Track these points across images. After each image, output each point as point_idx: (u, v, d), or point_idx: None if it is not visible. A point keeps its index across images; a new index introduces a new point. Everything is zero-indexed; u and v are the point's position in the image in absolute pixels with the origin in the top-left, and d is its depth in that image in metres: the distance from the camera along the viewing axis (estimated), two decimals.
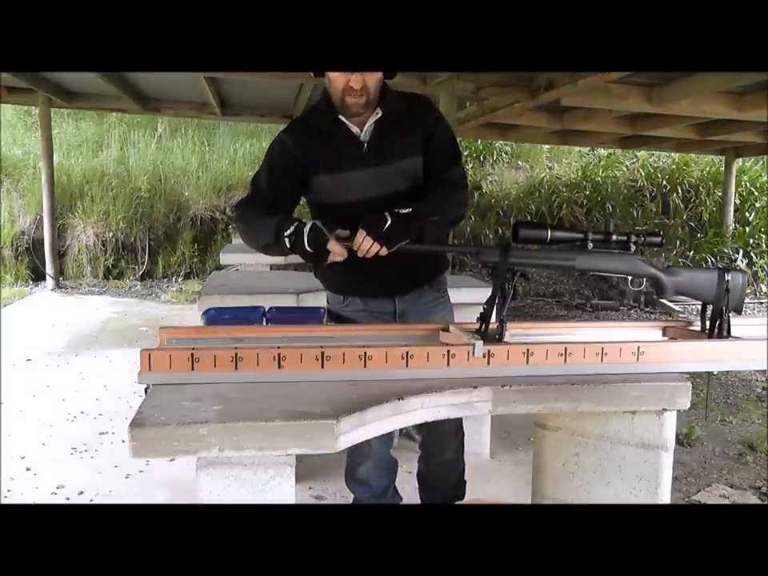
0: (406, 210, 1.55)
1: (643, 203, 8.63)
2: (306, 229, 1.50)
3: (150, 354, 1.33)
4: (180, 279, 7.64)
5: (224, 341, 1.49)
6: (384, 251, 1.51)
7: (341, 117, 1.69)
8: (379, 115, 1.69)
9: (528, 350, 1.44)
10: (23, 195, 7.71)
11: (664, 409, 1.42)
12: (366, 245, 1.49)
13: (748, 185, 8.51)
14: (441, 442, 2.01)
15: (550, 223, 2.18)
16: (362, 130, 1.70)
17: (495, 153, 9.21)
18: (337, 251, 1.50)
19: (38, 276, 7.24)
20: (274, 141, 1.78)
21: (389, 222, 1.50)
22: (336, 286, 1.87)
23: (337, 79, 1.61)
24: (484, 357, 1.41)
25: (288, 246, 1.52)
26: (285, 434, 1.13)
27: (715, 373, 4.07)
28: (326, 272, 1.87)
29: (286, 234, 1.52)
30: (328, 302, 1.92)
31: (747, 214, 8.32)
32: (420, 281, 1.85)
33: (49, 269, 6.96)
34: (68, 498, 2.46)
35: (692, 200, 8.69)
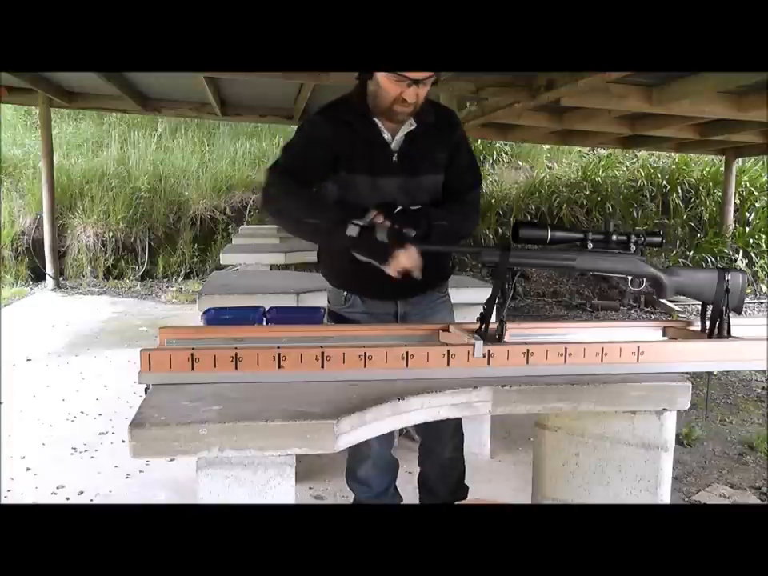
0: (415, 207, 1.57)
1: (643, 203, 8.62)
2: (384, 225, 1.50)
3: (150, 354, 1.33)
4: (180, 279, 7.64)
5: (224, 341, 1.49)
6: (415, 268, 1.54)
7: (376, 120, 1.67)
8: (413, 127, 1.69)
9: (528, 350, 1.44)
10: (23, 195, 7.71)
11: (664, 409, 1.42)
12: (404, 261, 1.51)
13: (748, 185, 8.50)
14: (439, 441, 2.00)
15: (550, 223, 2.18)
16: (392, 138, 1.70)
17: (495, 153, 9.21)
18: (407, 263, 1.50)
19: (38, 276, 7.24)
20: (311, 119, 1.75)
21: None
22: (340, 280, 1.84)
23: (390, 87, 1.58)
24: (484, 357, 1.41)
25: (356, 235, 1.50)
26: (285, 434, 1.13)
27: (715, 373, 4.07)
28: (330, 267, 1.85)
29: (361, 222, 1.50)
30: (329, 301, 1.91)
31: (747, 214, 8.31)
32: (425, 286, 1.84)
33: (49, 269, 6.96)
34: (68, 498, 2.46)
35: (692, 200, 8.68)
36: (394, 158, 1.70)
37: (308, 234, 1.64)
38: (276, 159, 1.71)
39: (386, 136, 1.70)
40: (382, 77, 1.58)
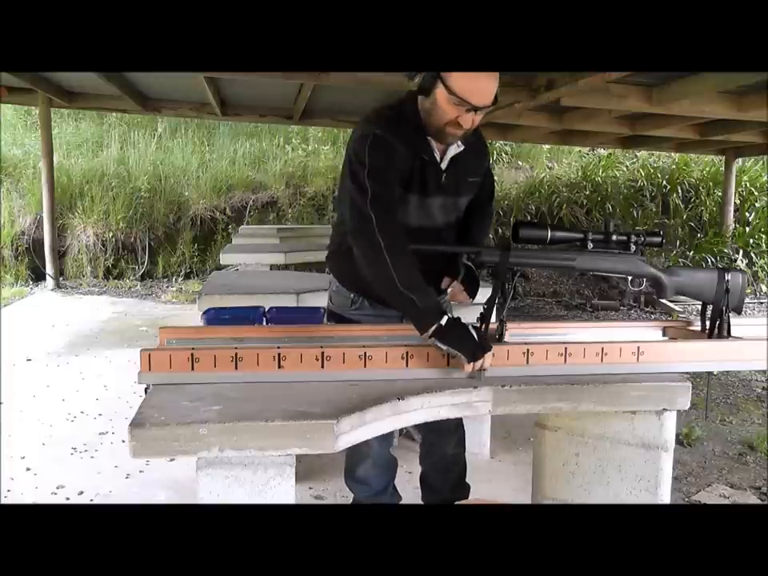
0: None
1: (643, 203, 8.62)
2: (467, 330, 1.43)
3: (150, 354, 1.33)
4: (180, 279, 7.63)
5: (224, 341, 1.50)
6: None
7: (430, 139, 1.65)
8: (461, 149, 1.68)
9: (528, 350, 1.44)
10: (23, 195, 7.71)
11: (664, 409, 1.42)
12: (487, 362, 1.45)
13: (748, 185, 8.50)
14: (441, 438, 2.00)
15: (550, 223, 2.19)
16: (441, 158, 1.69)
17: (495, 153, 9.20)
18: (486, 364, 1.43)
19: (38, 276, 7.23)
20: (381, 138, 1.59)
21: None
22: (352, 283, 1.80)
23: (448, 109, 1.54)
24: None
25: (444, 324, 1.43)
26: (285, 434, 1.13)
27: (715, 373, 4.07)
28: (343, 267, 1.82)
29: (443, 322, 1.43)
30: (332, 302, 1.88)
31: (747, 214, 8.31)
32: (437, 290, 1.85)
33: (49, 269, 6.95)
34: (68, 498, 2.46)
35: (692, 200, 8.68)
36: (443, 179, 1.69)
37: (389, 293, 1.53)
38: (367, 189, 1.55)
39: (437, 155, 1.68)
40: (441, 96, 1.53)
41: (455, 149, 1.68)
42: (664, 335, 1.71)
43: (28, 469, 2.70)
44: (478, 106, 1.53)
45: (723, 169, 8.05)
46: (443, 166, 1.69)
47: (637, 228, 7.62)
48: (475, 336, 1.42)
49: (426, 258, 1.60)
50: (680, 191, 8.66)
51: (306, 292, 2.61)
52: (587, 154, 9.66)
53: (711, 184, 8.71)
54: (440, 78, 1.51)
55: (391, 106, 1.69)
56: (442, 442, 2.01)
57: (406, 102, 1.66)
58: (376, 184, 1.55)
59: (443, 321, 1.43)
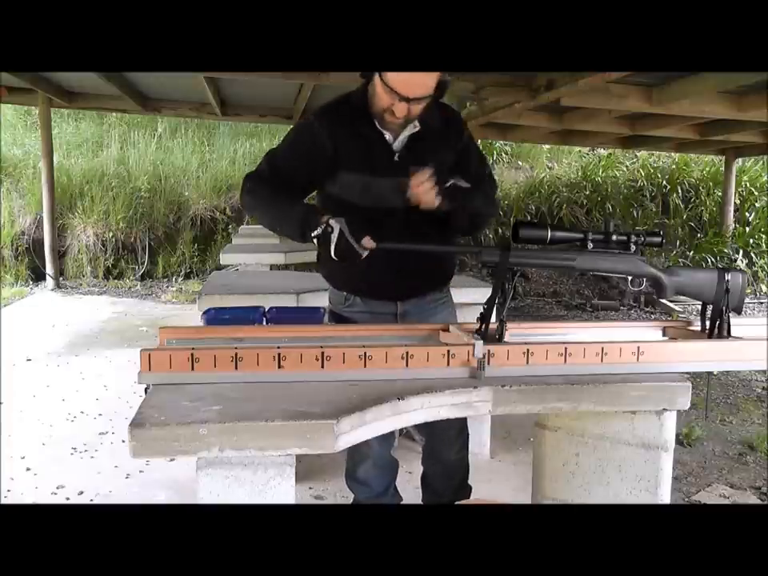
0: (465, 185, 1.63)
1: (643, 203, 8.62)
2: (334, 237, 1.47)
3: (150, 354, 1.33)
4: (180, 279, 7.64)
5: (224, 341, 1.49)
6: (431, 202, 1.59)
7: (376, 121, 1.66)
8: (416, 129, 1.68)
9: (528, 350, 1.44)
10: (23, 195, 7.71)
11: (664, 409, 1.42)
12: (427, 185, 1.55)
13: (748, 185, 8.50)
14: (444, 442, 2.00)
15: (550, 223, 2.18)
16: (395, 139, 1.69)
17: (495, 153, 9.20)
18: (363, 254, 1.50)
19: (38, 276, 7.24)
20: (305, 123, 1.75)
21: (451, 183, 1.59)
22: (341, 282, 1.84)
23: (383, 96, 1.57)
24: (484, 357, 1.41)
25: (314, 242, 1.52)
26: (285, 434, 1.13)
27: (715, 373, 4.07)
28: (332, 268, 1.83)
29: (313, 234, 1.50)
30: (330, 301, 1.90)
31: (747, 214, 8.31)
32: (425, 288, 1.85)
33: (49, 269, 6.95)
34: (68, 498, 2.46)
35: (692, 200, 8.68)
36: (396, 158, 1.69)
37: (287, 237, 1.65)
38: (260, 164, 1.72)
39: (388, 136, 1.68)
40: (378, 83, 1.57)
41: (411, 129, 1.68)
42: (664, 335, 1.71)
43: (28, 469, 2.70)
44: (406, 97, 1.54)
45: (723, 169, 8.05)
46: (396, 146, 1.69)
47: (637, 228, 7.62)
48: (345, 248, 1.46)
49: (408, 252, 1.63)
50: (680, 191, 8.67)
51: (306, 292, 2.60)
52: (587, 154, 9.66)
53: (711, 184, 8.71)
54: None
55: (341, 96, 1.76)
56: (445, 448, 2.01)
57: (358, 88, 1.70)
58: (267, 161, 1.71)
59: (312, 242, 1.51)
